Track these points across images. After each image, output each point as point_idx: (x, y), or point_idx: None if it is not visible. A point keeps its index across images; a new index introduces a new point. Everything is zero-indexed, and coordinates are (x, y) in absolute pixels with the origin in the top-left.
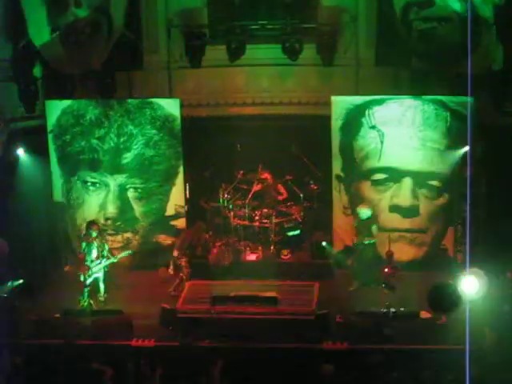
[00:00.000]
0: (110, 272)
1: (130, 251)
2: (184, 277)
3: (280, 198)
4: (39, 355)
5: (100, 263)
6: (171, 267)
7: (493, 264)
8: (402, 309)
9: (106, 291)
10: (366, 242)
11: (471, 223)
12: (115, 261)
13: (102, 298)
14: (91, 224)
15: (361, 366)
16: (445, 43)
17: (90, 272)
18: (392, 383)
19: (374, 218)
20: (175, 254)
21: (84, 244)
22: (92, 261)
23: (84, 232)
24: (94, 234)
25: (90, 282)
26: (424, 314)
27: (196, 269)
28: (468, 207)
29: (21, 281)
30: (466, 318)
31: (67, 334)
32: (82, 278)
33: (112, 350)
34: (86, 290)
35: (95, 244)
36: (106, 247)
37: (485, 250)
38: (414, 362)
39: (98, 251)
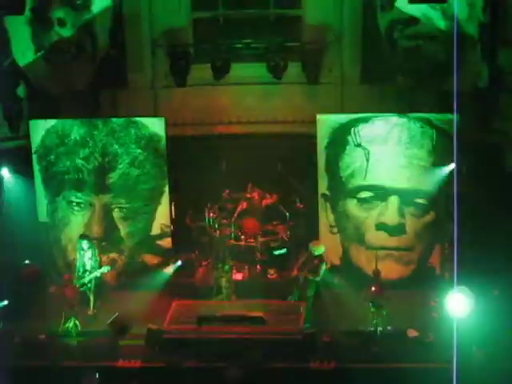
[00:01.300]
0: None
1: (108, 267)
2: None
3: (269, 201)
4: (26, 377)
5: (92, 273)
6: None
7: (480, 282)
8: (388, 327)
9: (95, 306)
10: (311, 278)
11: (458, 241)
12: (105, 271)
13: (91, 313)
14: (83, 237)
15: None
16: (430, 61)
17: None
18: None
19: (324, 257)
20: None
21: (77, 256)
22: (85, 271)
23: (76, 245)
24: (86, 245)
25: (76, 302)
26: (411, 333)
27: (182, 289)
28: (455, 225)
29: (5, 302)
30: (454, 336)
31: (53, 356)
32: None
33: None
34: (71, 310)
35: (88, 256)
36: (98, 259)
37: (472, 267)
38: (401, 380)
39: (91, 262)
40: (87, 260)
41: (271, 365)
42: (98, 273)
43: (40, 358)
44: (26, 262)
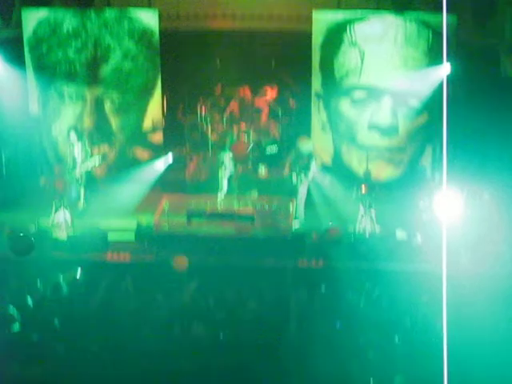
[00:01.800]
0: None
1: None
2: None
3: (262, 115)
4: (15, 268)
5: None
6: None
7: (470, 185)
8: (377, 228)
9: (85, 199)
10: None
11: (448, 143)
12: (96, 164)
13: (81, 206)
14: (73, 129)
15: (335, 284)
16: None
17: (66, 186)
18: (367, 301)
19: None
20: None
21: (67, 149)
22: (75, 164)
23: (66, 138)
24: (76, 138)
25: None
26: (399, 234)
27: (173, 183)
28: (444, 126)
29: None
30: (443, 238)
31: (42, 248)
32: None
33: (88, 262)
34: (60, 202)
35: (78, 149)
36: (89, 151)
37: (463, 171)
38: (389, 281)
39: (81, 155)
40: (77, 153)
41: (260, 263)
42: (88, 164)
43: (29, 250)
44: None
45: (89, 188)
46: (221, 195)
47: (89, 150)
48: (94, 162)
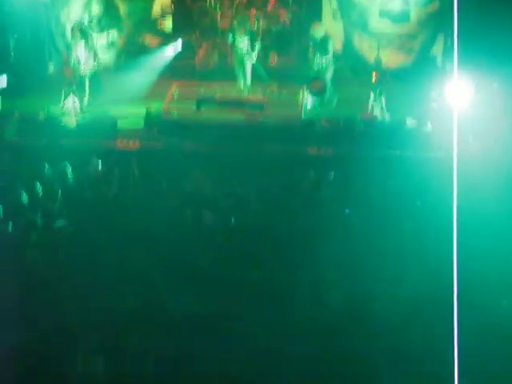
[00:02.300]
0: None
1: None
2: None
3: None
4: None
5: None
6: None
7: (481, 74)
8: (387, 115)
9: (90, 95)
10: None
11: (459, 31)
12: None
13: (86, 99)
14: (76, 26)
15: (344, 171)
16: None
17: (74, 73)
18: (377, 189)
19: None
20: None
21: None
22: (79, 61)
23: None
24: (80, 35)
25: (73, 84)
26: (410, 121)
27: (182, 70)
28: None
29: (4, 78)
30: (454, 126)
31: (51, 134)
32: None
33: (97, 149)
34: (69, 89)
35: (82, 45)
36: (94, 47)
37: (474, 59)
38: (400, 168)
39: (85, 51)
40: (82, 50)
41: (269, 150)
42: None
43: (38, 136)
44: None
45: (97, 75)
46: (231, 82)
47: (94, 46)
48: (102, 49)
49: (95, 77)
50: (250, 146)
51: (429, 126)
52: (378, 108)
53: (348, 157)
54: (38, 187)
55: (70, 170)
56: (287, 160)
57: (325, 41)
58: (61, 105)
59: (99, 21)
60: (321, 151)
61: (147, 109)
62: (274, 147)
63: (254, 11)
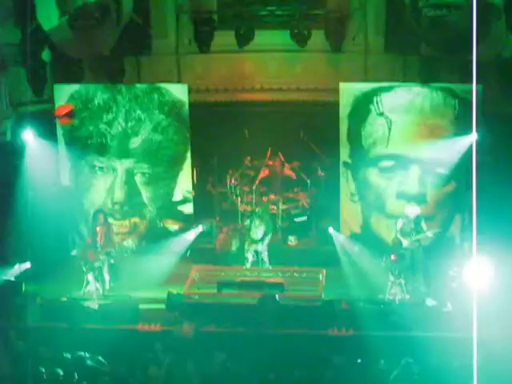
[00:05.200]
0: (116, 258)
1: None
2: None
3: (290, 169)
4: (45, 339)
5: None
6: None
7: (500, 252)
8: (407, 296)
9: (111, 280)
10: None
11: (477, 211)
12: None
13: (108, 283)
14: (98, 213)
15: (366, 353)
16: (454, 30)
17: (97, 258)
18: (399, 370)
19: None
20: None
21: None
22: (102, 246)
23: (91, 220)
24: (101, 222)
25: (96, 268)
26: (430, 302)
27: (203, 254)
28: (473, 194)
29: (28, 264)
30: (473, 306)
31: (73, 319)
32: (84, 268)
33: (119, 334)
34: (91, 274)
35: (101, 232)
36: (112, 236)
37: (492, 237)
38: (419, 349)
39: (103, 239)
40: (105, 235)
41: (289, 331)
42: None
43: (61, 321)
44: None
45: (120, 259)
46: (249, 265)
47: (111, 236)
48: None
49: (117, 261)
50: (271, 326)
51: (449, 306)
52: (397, 288)
53: (369, 338)
54: (58, 372)
55: (87, 356)
56: (307, 342)
57: None
58: (83, 289)
59: (121, 206)
60: (342, 332)
61: (169, 292)
62: (294, 328)
63: (272, 196)
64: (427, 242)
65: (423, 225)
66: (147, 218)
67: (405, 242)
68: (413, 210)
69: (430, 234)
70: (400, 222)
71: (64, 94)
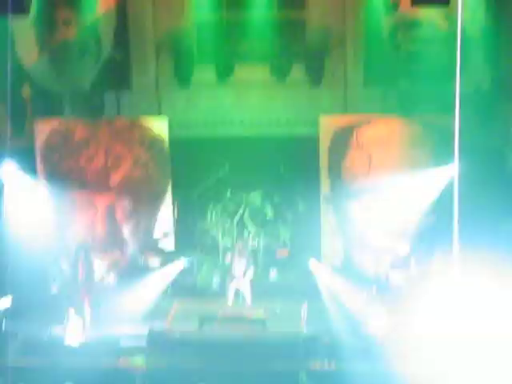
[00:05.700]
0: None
1: None
2: None
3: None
4: (26, 376)
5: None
6: None
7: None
8: (390, 329)
9: (92, 315)
10: None
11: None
12: None
13: (89, 318)
14: (79, 248)
15: None
16: (432, 63)
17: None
18: None
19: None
20: None
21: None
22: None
23: (72, 256)
24: (82, 257)
25: (76, 304)
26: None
27: (184, 289)
28: (455, 226)
29: (8, 301)
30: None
31: (54, 356)
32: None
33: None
34: (72, 310)
35: (82, 267)
36: (94, 270)
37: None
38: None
39: (84, 274)
40: (81, 272)
41: (272, 366)
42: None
43: (41, 358)
44: None
45: (101, 295)
46: (231, 301)
47: (93, 270)
48: (105, 270)
49: (98, 297)
50: (253, 362)
51: None
52: (379, 321)
53: (351, 371)
54: None
55: None
56: (290, 377)
57: None
58: (64, 325)
59: (102, 241)
60: (324, 366)
61: (150, 327)
62: (277, 363)
63: (253, 231)
64: (412, 276)
65: (409, 259)
66: (128, 253)
67: (390, 276)
68: (399, 245)
69: (413, 268)
70: (385, 257)
71: (44, 129)
